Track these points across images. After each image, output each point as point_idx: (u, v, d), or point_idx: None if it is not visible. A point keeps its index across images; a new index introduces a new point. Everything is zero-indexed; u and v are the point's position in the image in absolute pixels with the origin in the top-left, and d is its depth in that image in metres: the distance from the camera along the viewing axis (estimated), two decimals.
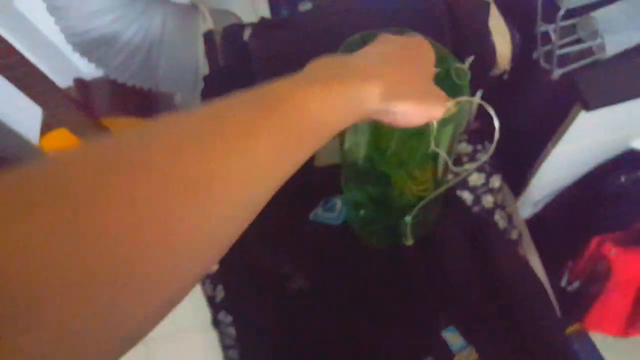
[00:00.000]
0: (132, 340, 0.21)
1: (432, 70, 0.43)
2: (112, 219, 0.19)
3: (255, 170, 0.26)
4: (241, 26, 0.70)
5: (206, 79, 0.71)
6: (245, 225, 0.27)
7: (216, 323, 0.86)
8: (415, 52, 0.42)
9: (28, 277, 0.16)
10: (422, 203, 0.56)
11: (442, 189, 0.54)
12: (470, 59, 0.48)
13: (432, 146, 0.45)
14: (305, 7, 0.80)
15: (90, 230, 0.18)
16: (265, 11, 0.87)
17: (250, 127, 0.25)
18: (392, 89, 0.36)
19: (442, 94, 0.42)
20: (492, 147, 0.46)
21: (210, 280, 0.82)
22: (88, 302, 0.18)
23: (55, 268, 0.17)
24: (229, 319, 0.84)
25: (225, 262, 0.80)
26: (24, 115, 1.27)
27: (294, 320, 0.67)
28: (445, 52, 0.49)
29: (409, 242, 0.64)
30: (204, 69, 0.69)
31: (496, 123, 0.45)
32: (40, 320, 0.16)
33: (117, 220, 0.19)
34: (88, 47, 0.87)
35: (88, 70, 1.11)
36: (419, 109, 0.39)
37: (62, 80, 1.26)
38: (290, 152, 0.29)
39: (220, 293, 0.83)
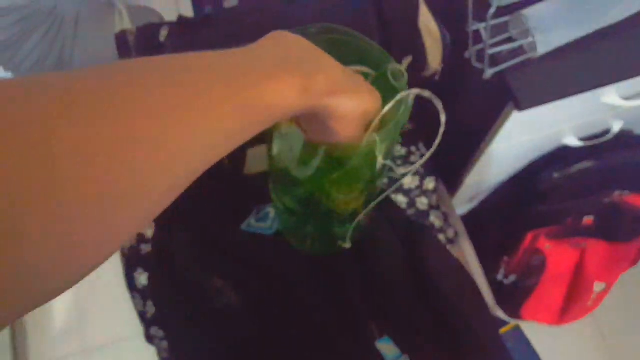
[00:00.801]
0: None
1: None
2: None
3: (213, 143, 0.27)
4: (158, 25, 0.65)
5: None
6: (179, 190, 0.26)
7: (149, 338, 0.83)
8: None
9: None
10: (364, 212, 0.53)
11: (383, 195, 0.52)
12: (408, 59, 0.46)
13: (380, 159, 0.43)
14: (231, 4, 0.76)
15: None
16: (188, 9, 0.82)
17: (217, 103, 0.27)
18: (336, 81, 0.35)
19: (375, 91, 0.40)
20: (436, 143, 0.45)
21: (141, 296, 0.78)
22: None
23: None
24: (161, 333, 0.80)
25: (154, 277, 0.76)
26: None
27: (225, 335, 0.64)
28: (380, 51, 0.47)
29: (347, 245, 0.62)
30: None
31: (443, 118, 0.44)
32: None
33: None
34: None
35: None
36: (357, 99, 0.37)
37: None
38: (244, 131, 0.30)
39: (150, 309, 0.79)
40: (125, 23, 0.77)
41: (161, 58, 0.28)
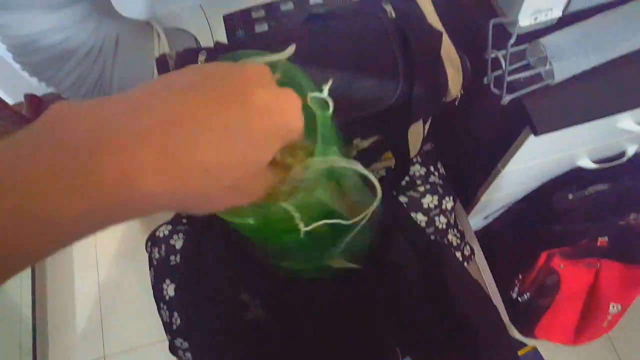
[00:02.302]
0: None
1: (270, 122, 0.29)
2: None
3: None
4: (196, 50, 0.69)
5: None
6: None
7: (173, 349, 0.85)
8: (233, 95, 0.28)
9: None
10: (341, 246, 0.49)
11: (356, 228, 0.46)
12: (329, 83, 0.39)
13: (302, 227, 0.37)
14: (262, 28, 0.80)
15: None
16: (221, 30, 0.87)
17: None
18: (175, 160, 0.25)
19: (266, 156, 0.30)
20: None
21: (167, 307, 0.81)
22: None
23: None
24: (186, 345, 0.83)
25: (181, 289, 0.79)
26: None
27: (250, 350, 0.67)
28: (299, 75, 0.39)
29: (356, 265, 0.62)
30: None
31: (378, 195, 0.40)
32: None
33: None
34: (37, 67, 0.84)
35: (40, 85, 1.08)
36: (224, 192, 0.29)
37: (12, 96, 1.22)
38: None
39: (177, 320, 0.82)
40: (163, 45, 0.82)
41: None
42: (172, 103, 0.26)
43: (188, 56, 0.69)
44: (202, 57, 0.68)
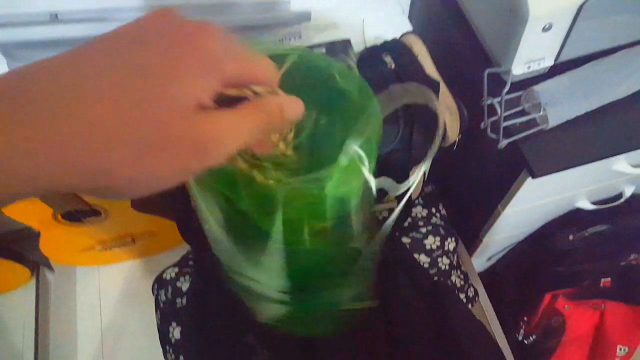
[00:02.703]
0: None
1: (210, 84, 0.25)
2: None
3: None
4: None
5: None
6: None
7: None
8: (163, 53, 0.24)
9: None
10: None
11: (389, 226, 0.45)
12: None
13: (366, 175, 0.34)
14: None
15: None
16: None
17: None
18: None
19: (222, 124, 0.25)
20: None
21: (173, 350, 0.81)
22: None
23: None
24: None
25: (187, 332, 0.80)
26: None
27: None
28: (317, 57, 0.37)
29: (371, 304, 0.63)
30: None
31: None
32: None
33: None
34: None
35: None
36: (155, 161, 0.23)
37: None
38: None
39: None
40: None
41: None
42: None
43: None
44: None
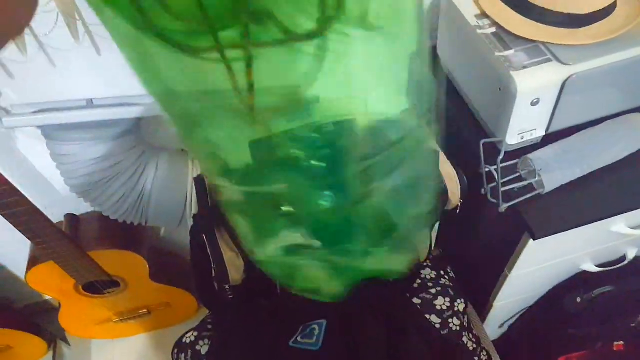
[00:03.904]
0: None
1: None
2: None
3: None
4: None
5: (196, 217, 0.79)
6: None
7: None
8: None
9: None
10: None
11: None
12: None
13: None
14: None
15: None
16: None
17: None
18: None
19: None
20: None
21: None
22: None
23: None
24: None
25: None
26: (11, 249, 1.32)
27: None
28: None
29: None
30: (194, 208, 0.77)
31: None
32: None
33: None
34: (86, 189, 0.96)
35: (79, 206, 1.19)
36: None
37: (54, 215, 1.33)
38: None
39: None
40: (197, 168, 0.95)
41: None
42: None
43: None
44: None
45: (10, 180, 0.88)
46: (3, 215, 0.93)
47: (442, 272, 0.91)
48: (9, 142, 1.06)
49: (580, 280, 1.04)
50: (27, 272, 1.18)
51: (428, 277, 0.90)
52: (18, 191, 0.89)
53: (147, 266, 1.23)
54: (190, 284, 1.43)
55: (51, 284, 1.24)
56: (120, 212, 1.01)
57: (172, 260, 1.47)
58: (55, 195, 1.21)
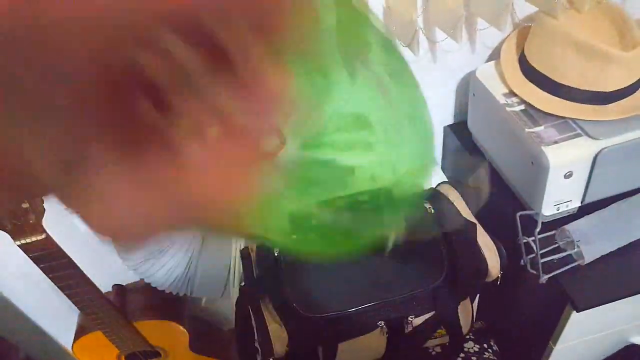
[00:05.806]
0: None
1: None
2: None
3: None
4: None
5: (242, 288, 0.82)
6: None
7: None
8: None
9: None
10: None
11: None
12: None
13: None
14: None
15: None
16: None
17: None
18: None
19: None
20: None
21: None
22: None
23: None
24: None
25: None
26: (60, 318, 1.36)
27: None
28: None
29: None
30: (239, 279, 0.81)
31: None
32: None
33: None
34: (138, 262, 1.02)
35: (126, 276, 1.24)
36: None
37: (102, 285, 1.38)
38: None
39: None
40: (240, 242, 0.99)
41: None
42: None
43: (266, 247, 0.84)
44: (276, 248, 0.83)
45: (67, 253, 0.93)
46: (59, 288, 0.98)
47: (485, 346, 0.90)
48: (72, 217, 1.13)
49: (628, 354, 1.00)
50: (74, 342, 1.21)
51: (471, 350, 0.89)
52: (66, 255, 0.93)
53: (188, 336, 1.25)
54: (228, 355, 1.44)
55: (96, 355, 1.27)
56: (168, 284, 1.06)
57: (211, 330, 1.48)
58: (105, 266, 1.26)
